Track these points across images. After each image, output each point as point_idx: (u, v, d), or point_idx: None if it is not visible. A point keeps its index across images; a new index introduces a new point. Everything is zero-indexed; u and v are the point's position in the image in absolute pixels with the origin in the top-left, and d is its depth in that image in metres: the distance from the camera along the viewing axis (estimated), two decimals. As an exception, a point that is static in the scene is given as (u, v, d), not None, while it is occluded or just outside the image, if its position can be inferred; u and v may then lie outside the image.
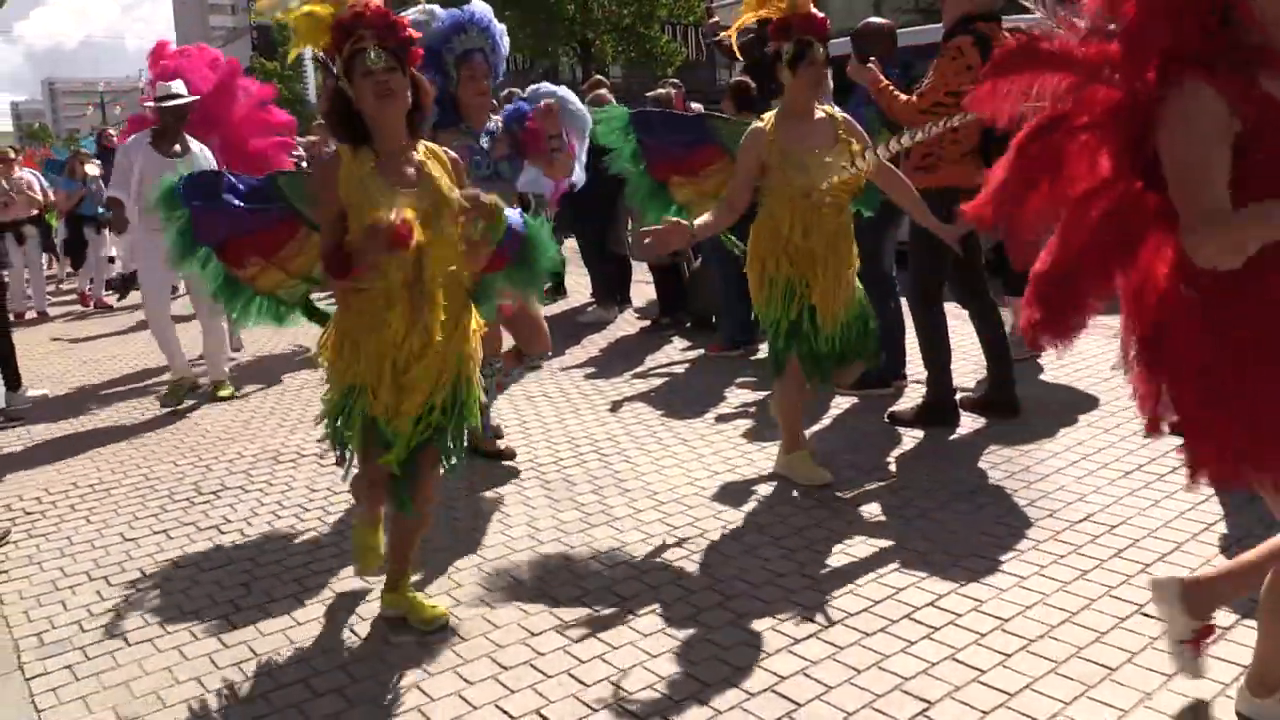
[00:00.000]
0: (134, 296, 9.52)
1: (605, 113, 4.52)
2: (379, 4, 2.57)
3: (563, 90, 4.21)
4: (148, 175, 5.35)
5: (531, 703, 2.52)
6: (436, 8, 3.93)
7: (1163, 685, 2.42)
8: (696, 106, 8.80)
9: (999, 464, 3.95)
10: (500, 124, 4.00)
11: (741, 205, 3.71)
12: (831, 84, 3.94)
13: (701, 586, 3.09)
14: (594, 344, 6.81)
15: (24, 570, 3.56)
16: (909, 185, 3.83)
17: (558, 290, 8.43)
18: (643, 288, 7.99)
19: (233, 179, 3.40)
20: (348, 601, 3.14)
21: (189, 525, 3.88)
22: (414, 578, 3.08)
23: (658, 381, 5.68)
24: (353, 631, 2.95)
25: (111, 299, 10.65)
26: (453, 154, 2.80)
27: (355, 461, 2.87)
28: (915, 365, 4.75)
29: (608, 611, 2.97)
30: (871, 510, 3.61)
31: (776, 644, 2.72)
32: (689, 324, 6.97)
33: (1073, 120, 1.97)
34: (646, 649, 2.74)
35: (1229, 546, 3.11)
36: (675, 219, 3.38)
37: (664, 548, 3.38)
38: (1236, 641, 2.56)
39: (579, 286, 8.53)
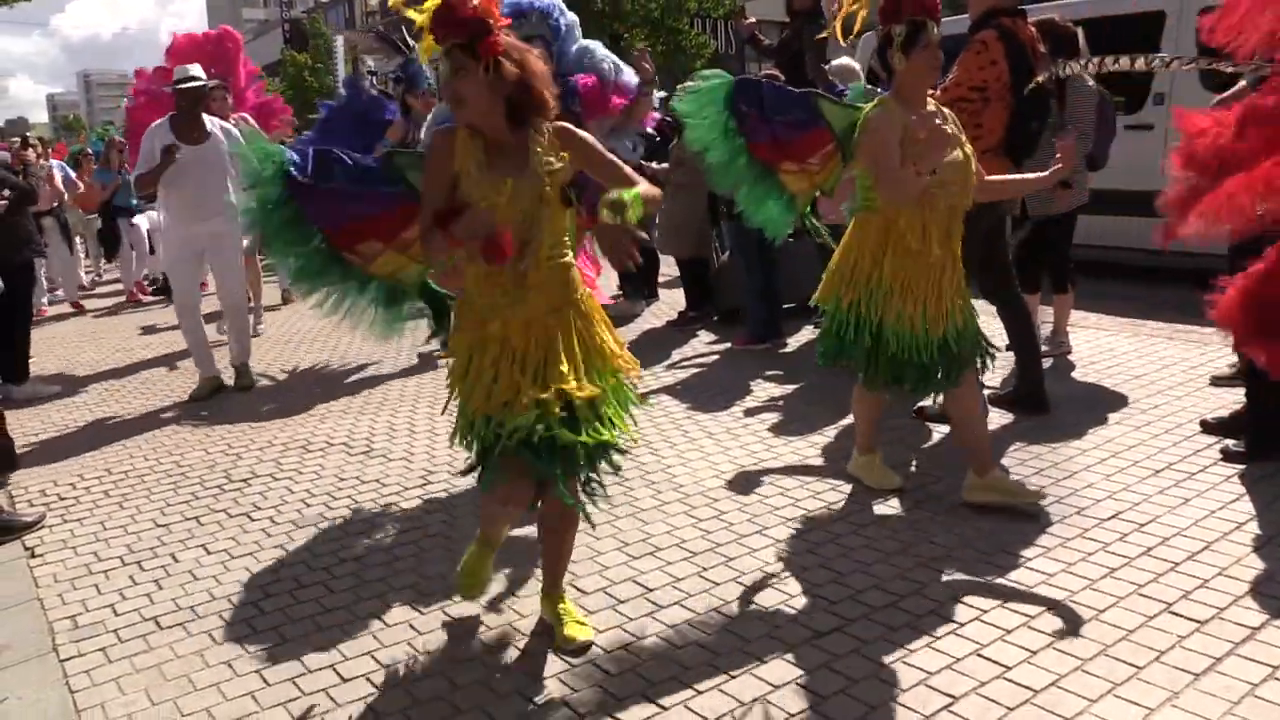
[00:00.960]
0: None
1: (703, 79, 3.77)
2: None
3: (593, 44, 4.14)
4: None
5: (556, 691, 2.55)
6: None
7: (1190, 685, 2.40)
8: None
9: (1027, 460, 3.92)
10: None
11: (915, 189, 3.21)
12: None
13: (725, 579, 3.09)
14: (620, 337, 6.77)
15: (59, 554, 3.63)
16: (994, 176, 3.51)
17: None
18: (668, 282, 7.98)
19: (345, 158, 3.07)
20: (374, 589, 3.18)
21: (219, 512, 3.94)
22: (441, 568, 3.08)
23: (684, 375, 5.69)
24: (380, 619, 2.98)
25: (147, 290, 10.77)
26: (568, 127, 2.64)
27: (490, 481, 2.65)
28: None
29: (632, 602, 2.98)
30: (897, 505, 3.60)
31: (800, 637, 2.73)
32: (716, 318, 6.97)
33: None
34: (670, 640, 2.76)
35: (1261, 545, 3.08)
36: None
37: (688, 540, 3.40)
38: (1267, 642, 2.54)
39: (605, 281, 8.52)
